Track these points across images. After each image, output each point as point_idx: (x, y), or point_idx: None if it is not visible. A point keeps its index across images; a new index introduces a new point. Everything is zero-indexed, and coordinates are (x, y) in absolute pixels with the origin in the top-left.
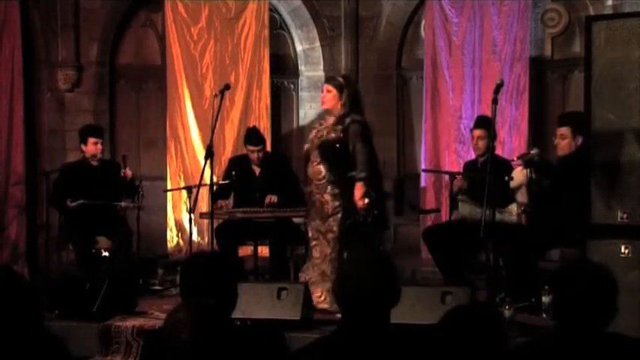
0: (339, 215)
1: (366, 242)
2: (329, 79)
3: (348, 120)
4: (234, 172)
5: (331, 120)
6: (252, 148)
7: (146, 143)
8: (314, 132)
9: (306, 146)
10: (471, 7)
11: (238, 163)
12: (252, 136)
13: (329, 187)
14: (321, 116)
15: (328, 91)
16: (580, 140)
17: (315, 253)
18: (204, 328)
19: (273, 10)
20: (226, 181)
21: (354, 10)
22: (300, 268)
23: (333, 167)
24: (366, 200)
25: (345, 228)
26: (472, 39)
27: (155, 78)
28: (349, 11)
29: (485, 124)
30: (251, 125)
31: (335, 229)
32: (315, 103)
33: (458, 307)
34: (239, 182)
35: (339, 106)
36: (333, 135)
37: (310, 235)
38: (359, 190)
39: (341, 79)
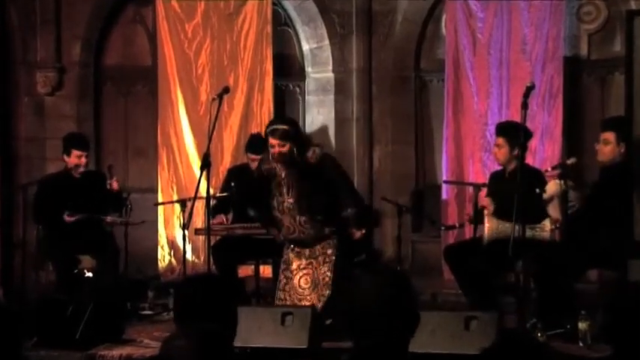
0: (333, 262)
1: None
2: (272, 133)
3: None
4: (233, 184)
5: (295, 173)
6: (253, 156)
7: (135, 152)
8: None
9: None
10: (498, 1)
11: (238, 173)
12: (254, 143)
13: (316, 229)
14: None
15: (281, 145)
16: (624, 148)
17: (304, 284)
18: (206, 357)
19: (276, 4)
20: (225, 194)
21: (367, 5)
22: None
23: (318, 213)
24: (363, 231)
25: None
26: (499, 36)
27: (145, 80)
28: (361, 6)
29: (505, 131)
30: (253, 132)
31: (329, 274)
32: (323, 107)
33: (502, 335)
34: (239, 195)
35: (295, 155)
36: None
37: (291, 265)
38: (356, 232)
39: (284, 126)
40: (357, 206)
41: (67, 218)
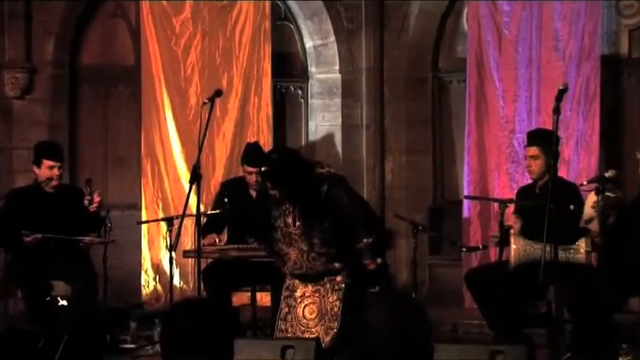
0: (342, 290)
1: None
2: (262, 176)
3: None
4: (227, 200)
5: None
6: (250, 169)
7: (115, 163)
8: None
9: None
10: None
11: (233, 188)
12: (251, 154)
13: (323, 261)
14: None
15: (273, 188)
16: None
17: (309, 313)
18: None
19: None
20: (217, 211)
21: None
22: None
23: (330, 247)
24: (379, 260)
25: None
26: (528, 32)
27: (127, 82)
28: None
29: (539, 139)
30: (250, 141)
31: (338, 304)
32: (328, 112)
33: None
34: (233, 212)
35: (295, 193)
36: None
37: (295, 292)
38: (371, 264)
39: (273, 165)
40: (373, 235)
41: (25, 238)
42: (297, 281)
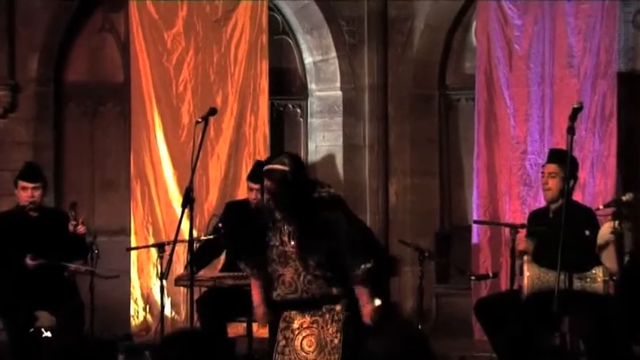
0: (342, 320)
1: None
2: (267, 173)
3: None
4: (220, 225)
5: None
6: (252, 184)
7: (103, 186)
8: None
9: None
10: (539, 6)
11: (235, 210)
12: (258, 170)
13: (319, 285)
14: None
15: (274, 189)
16: None
17: (307, 346)
18: None
19: (273, 9)
20: (211, 236)
21: (381, 9)
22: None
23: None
24: (377, 303)
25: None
26: (540, 48)
27: (115, 99)
28: (375, 10)
29: (560, 157)
30: (256, 159)
31: (338, 335)
32: (329, 132)
33: None
34: (231, 238)
35: (293, 202)
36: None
37: (292, 323)
38: (368, 308)
39: (282, 167)
40: (371, 260)
41: (29, 262)
42: (293, 312)
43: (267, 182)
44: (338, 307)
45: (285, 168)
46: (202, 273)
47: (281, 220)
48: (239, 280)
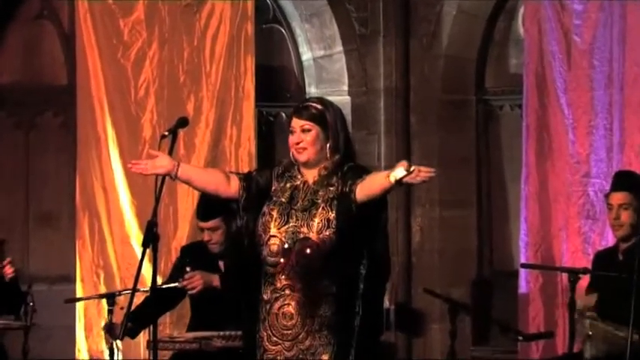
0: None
1: None
2: (299, 110)
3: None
4: (188, 269)
5: (312, 177)
6: (202, 224)
7: (40, 219)
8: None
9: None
10: None
11: (195, 252)
12: (199, 207)
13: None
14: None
15: (305, 130)
16: None
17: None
18: None
19: None
20: (172, 285)
21: None
22: None
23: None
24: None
25: None
26: (607, 40)
27: (57, 107)
28: None
29: (630, 183)
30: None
31: None
32: None
33: None
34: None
35: (327, 153)
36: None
37: None
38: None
39: (318, 105)
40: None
41: None
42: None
43: (298, 122)
44: (325, 357)
45: (320, 107)
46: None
47: (301, 187)
48: (230, 341)
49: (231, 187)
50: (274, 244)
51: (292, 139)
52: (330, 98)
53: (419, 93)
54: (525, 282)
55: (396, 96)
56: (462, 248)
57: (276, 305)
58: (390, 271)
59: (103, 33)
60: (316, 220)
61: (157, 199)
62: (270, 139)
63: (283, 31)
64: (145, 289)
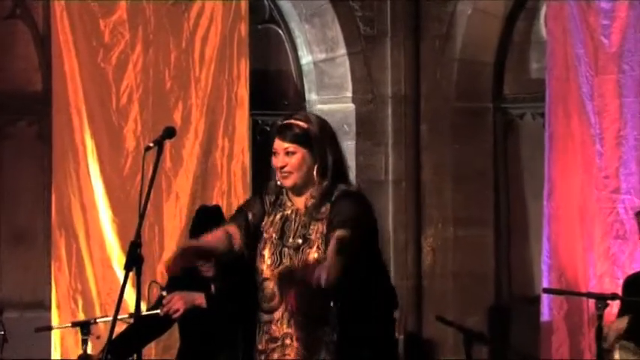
0: None
1: None
2: (281, 130)
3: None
4: (165, 293)
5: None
6: None
7: (12, 239)
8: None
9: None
10: None
11: (181, 279)
12: (202, 222)
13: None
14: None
15: (289, 152)
16: None
17: None
18: None
19: None
20: (153, 312)
21: None
22: None
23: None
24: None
25: None
26: (637, 43)
27: (31, 116)
28: None
29: None
30: (201, 205)
31: None
32: None
33: None
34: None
35: (314, 177)
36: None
37: None
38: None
39: (303, 123)
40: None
41: None
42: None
43: (277, 144)
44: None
45: (306, 125)
46: None
47: (290, 217)
48: None
49: (236, 240)
50: (268, 287)
51: (276, 162)
52: (332, 106)
53: (430, 100)
54: (548, 309)
55: (404, 103)
56: (477, 271)
57: (274, 356)
58: (396, 302)
59: (81, 34)
60: (310, 260)
61: (141, 217)
62: (266, 151)
63: (280, 32)
64: (123, 317)
